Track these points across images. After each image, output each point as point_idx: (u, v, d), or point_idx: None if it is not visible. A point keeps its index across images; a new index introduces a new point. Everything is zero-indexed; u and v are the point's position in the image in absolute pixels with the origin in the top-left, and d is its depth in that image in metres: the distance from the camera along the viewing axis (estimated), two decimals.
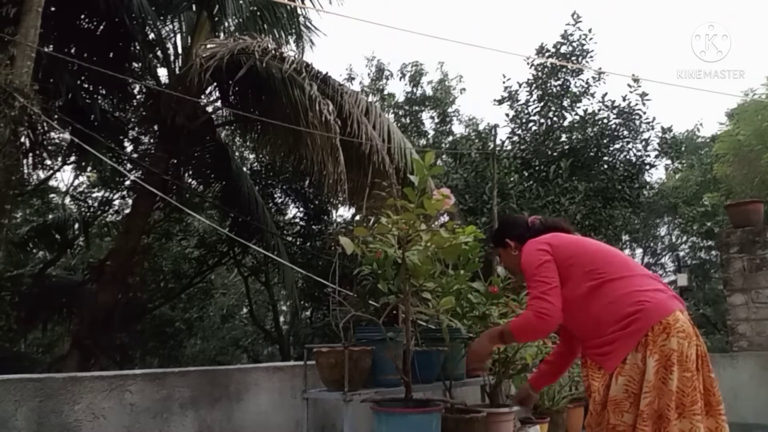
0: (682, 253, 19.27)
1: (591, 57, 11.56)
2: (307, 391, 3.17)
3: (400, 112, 15.35)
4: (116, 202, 13.06)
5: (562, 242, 2.40)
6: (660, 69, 13.70)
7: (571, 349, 2.61)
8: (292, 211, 13.55)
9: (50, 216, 12.94)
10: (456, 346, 3.40)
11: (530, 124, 11.91)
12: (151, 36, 8.82)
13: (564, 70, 11.56)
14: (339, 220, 12.99)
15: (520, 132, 11.99)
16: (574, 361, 2.73)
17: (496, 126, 10.87)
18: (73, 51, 8.13)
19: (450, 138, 15.06)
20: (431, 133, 15.45)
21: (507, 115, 12.04)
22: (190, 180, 11.28)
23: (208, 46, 7.10)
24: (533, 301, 2.30)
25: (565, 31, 11.54)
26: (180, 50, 8.95)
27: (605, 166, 11.16)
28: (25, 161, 7.83)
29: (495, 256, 2.93)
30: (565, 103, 11.67)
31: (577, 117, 11.58)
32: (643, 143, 11.24)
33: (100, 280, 9.00)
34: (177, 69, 8.62)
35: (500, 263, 2.86)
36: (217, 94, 9.07)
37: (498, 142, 11.04)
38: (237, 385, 3.56)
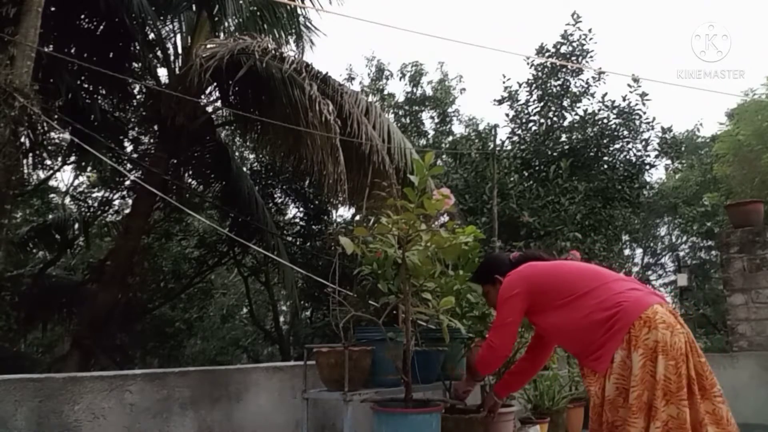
0: (682, 253, 19.27)
1: (591, 57, 11.58)
2: (307, 391, 3.17)
3: (400, 112, 15.34)
4: (116, 202, 13.07)
5: (534, 271, 2.57)
6: (660, 69, 13.71)
7: (535, 361, 2.84)
8: (292, 211, 13.57)
9: (50, 216, 12.92)
10: (456, 346, 3.39)
11: (530, 124, 11.92)
12: (151, 36, 8.81)
13: (564, 70, 11.56)
14: (339, 220, 13.00)
15: (520, 132, 11.99)
16: (537, 372, 3.00)
17: (496, 126, 10.88)
18: (73, 51, 8.12)
19: (450, 138, 15.06)
20: (431, 133, 15.45)
21: (507, 115, 12.06)
22: (190, 180, 11.27)
23: (208, 46, 7.10)
24: (490, 332, 2.65)
25: (565, 31, 11.54)
26: (180, 50, 8.94)
27: (605, 166, 11.17)
28: (25, 161, 7.83)
29: (482, 295, 3.01)
30: (565, 103, 11.68)
31: (577, 117, 11.58)
32: (643, 143, 11.26)
33: (100, 280, 9.00)
34: (177, 69, 8.61)
35: (488, 301, 2.95)
36: (217, 94, 9.07)
37: (498, 142, 11.04)
38: (237, 385, 3.56)
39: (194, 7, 8.69)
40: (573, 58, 11.52)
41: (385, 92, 15.52)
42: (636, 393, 2.14)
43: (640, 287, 2.40)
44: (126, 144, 10.84)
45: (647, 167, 11.51)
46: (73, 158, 10.69)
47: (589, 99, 11.62)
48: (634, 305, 2.26)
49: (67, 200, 14.03)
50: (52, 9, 7.09)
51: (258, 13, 8.73)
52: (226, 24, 8.68)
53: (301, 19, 9.32)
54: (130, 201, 11.73)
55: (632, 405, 2.14)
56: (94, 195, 13.33)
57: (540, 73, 11.73)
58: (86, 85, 8.74)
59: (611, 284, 2.38)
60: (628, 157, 11.34)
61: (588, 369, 2.35)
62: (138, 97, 9.90)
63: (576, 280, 2.45)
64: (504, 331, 2.54)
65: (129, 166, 10.86)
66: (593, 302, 2.33)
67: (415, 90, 15.48)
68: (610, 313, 2.27)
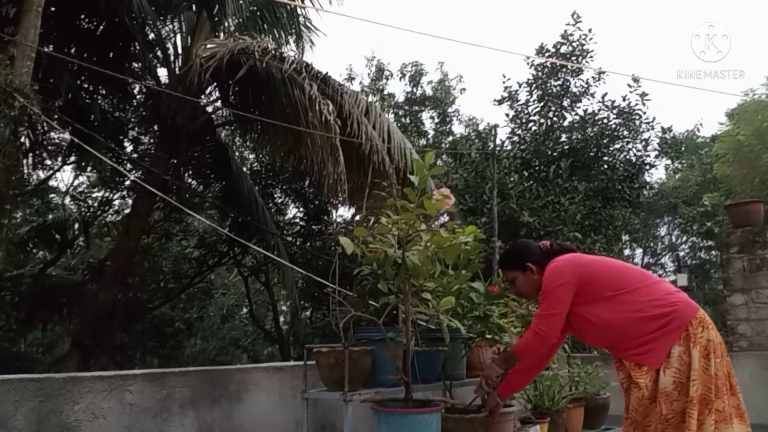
0: (682, 253, 19.28)
1: (591, 57, 11.55)
2: (307, 391, 3.17)
3: (400, 112, 15.34)
4: (116, 202, 13.06)
5: (584, 261, 2.64)
6: (660, 69, 13.70)
7: (541, 359, 2.84)
8: (292, 211, 13.56)
9: (50, 216, 12.91)
10: (456, 346, 3.39)
11: (530, 124, 11.90)
12: (151, 36, 8.82)
13: (564, 70, 11.55)
14: (339, 220, 13.00)
15: (520, 132, 11.98)
16: (540, 372, 3.04)
17: (496, 126, 10.85)
18: (73, 51, 8.13)
19: (450, 138, 15.05)
20: (431, 133, 15.44)
21: (507, 115, 12.04)
22: (190, 180, 11.27)
23: (208, 46, 7.10)
24: (536, 320, 2.61)
25: (565, 31, 11.53)
26: (180, 50, 8.94)
27: (605, 166, 11.15)
28: (25, 161, 7.83)
29: (507, 281, 2.95)
30: (565, 103, 11.66)
31: (577, 117, 11.57)
32: (643, 143, 11.23)
33: (100, 280, 8.99)
34: (177, 69, 8.61)
35: (513, 289, 2.90)
36: (217, 94, 9.07)
37: (498, 142, 11.02)
38: (237, 385, 3.56)
39: (194, 7, 8.70)
40: (573, 58, 11.51)
41: (385, 92, 15.52)
42: (696, 387, 2.29)
43: (681, 291, 2.54)
44: (126, 144, 10.83)
45: (647, 167, 11.49)
46: (73, 158, 10.68)
47: (589, 99, 11.61)
48: (687, 306, 2.42)
49: (67, 200, 14.02)
50: (52, 9, 7.09)
51: (258, 13, 8.73)
52: (226, 24, 8.69)
53: (301, 19, 9.33)
54: (130, 201, 11.73)
55: (693, 398, 2.28)
56: (94, 195, 13.32)
57: (540, 73, 11.72)
58: (86, 85, 8.74)
59: (659, 285, 2.52)
60: (628, 157, 11.32)
61: (631, 362, 2.43)
62: (138, 97, 9.90)
63: (625, 276, 2.55)
64: (552, 319, 2.56)
65: (129, 166, 10.85)
66: (644, 299, 2.44)
67: (415, 90, 15.48)
68: (666, 311, 2.39)
